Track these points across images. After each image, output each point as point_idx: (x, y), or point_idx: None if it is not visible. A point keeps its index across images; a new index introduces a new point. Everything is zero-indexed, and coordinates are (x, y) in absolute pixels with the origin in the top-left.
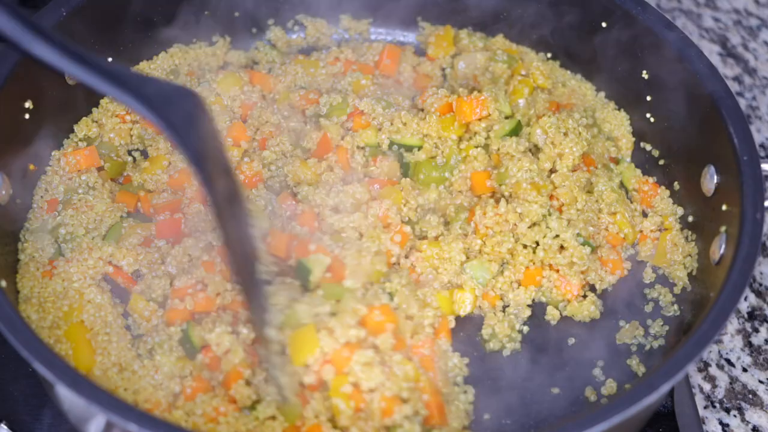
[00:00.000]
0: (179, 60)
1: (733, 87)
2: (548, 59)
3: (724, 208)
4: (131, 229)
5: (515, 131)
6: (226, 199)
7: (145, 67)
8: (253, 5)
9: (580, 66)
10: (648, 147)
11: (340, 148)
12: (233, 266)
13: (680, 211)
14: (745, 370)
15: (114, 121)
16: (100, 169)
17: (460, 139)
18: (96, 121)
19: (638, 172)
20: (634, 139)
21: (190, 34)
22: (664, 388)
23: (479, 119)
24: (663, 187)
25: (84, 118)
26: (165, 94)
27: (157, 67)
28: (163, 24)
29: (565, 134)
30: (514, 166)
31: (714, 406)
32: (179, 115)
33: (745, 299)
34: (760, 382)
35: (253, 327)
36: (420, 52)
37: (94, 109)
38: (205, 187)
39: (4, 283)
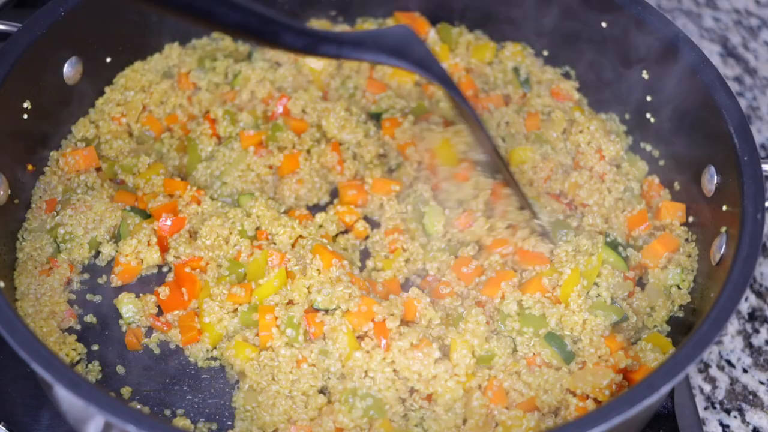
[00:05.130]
0: (173, 62)
1: (734, 87)
2: (545, 56)
3: (724, 208)
4: (137, 227)
5: None
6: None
7: (139, 68)
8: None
9: (579, 65)
10: (648, 147)
11: None
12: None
13: (680, 210)
14: (745, 371)
15: (110, 122)
16: (98, 169)
17: None
18: (93, 122)
19: (645, 169)
20: (628, 138)
21: (188, 35)
22: (665, 389)
23: None
24: (666, 190)
25: (81, 118)
26: (397, 40)
27: (151, 68)
28: (160, 24)
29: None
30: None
31: (714, 407)
32: (415, 52)
33: (746, 300)
34: (761, 383)
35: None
36: None
37: (91, 110)
38: (459, 98)
39: (2, 284)
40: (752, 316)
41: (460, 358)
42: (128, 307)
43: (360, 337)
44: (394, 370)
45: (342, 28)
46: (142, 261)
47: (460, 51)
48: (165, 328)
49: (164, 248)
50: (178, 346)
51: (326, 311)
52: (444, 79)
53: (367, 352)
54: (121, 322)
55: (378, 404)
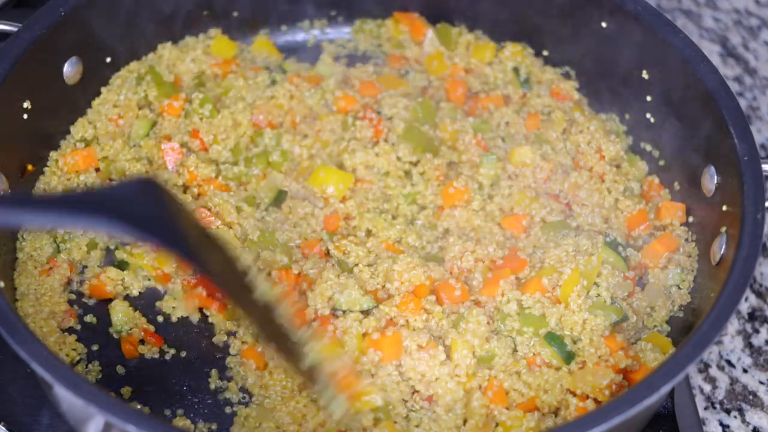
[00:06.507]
0: (168, 62)
1: (733, 87)
2: (545, 56)
3: (724, 208)
4: (135, 264)
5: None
6: (226, 271)
7: (135, 68)
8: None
9: (579, 65)
10: (648, 147)
11: None
12: (258, 328)
13: (680, 210)
14: (745, 371)
15: (107, 123)
16: (97, 169)
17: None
18: (91, 123)
19: (645, 169)
20: (628, 138)
21: (188, 34)
22: (665, 389)
23: None
24: (666, 190)
25: (80, 119)
26: (126, 201)
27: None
28: (161, 24)
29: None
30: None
31: (714, 407)
32: (147, 217)
33: (746, 300)
34: (761, 383)
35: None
36: None
37: (89, 110)
38: (203, 270)
39: (2, 284)
40: (752, 316)
41: (461, 359)
42: (119, 316)
43: (365, 334)
44: (400, 372)
45: (341, 28)
46: (124, 288)
47: (460, 51)
48: (156, 342)
49: (167, 278)
50: (176, 348)
51: (342, 312)
52: (185, 252)
53: (375, 355)
54: (110, 329)
55: (383, 406)
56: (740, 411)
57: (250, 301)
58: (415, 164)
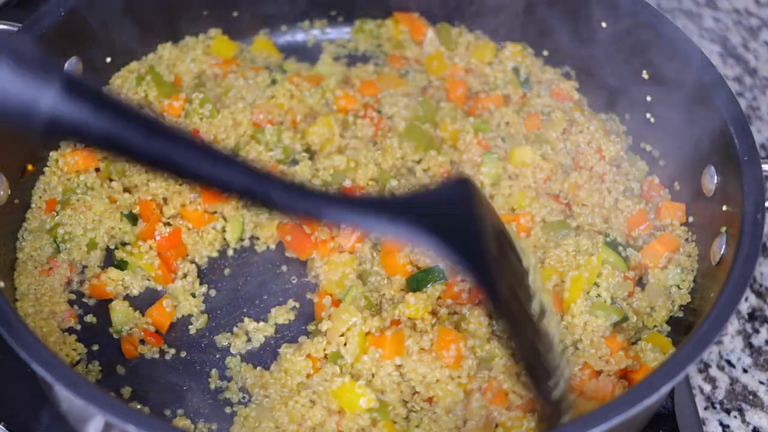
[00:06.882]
0: (167, 62)
1: (733, 87)
2: (545, 56)
3: (724, 208)
4: (134, 263)
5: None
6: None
7: (135, 68)
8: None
9: (579, 65)
10: (648, 147)
11: None
12: (517, 345)
13: (680, 210)
14: (745, 371)
15: None
16: (97, 170)
17: None
18: None
19: (645, 169)
20: (628, 138)
21: (188, 34)
22: (665, 389)
23: None
24: (666, 190)
25: None
26: (433, 209)
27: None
28: (161, 24)
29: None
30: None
31: (714, 407)
32: (450, 229)
33: (746, 300)
34: (761, 383)
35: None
36: None
37: None
38: (491, 291)
39: (2, 284)
40: (752, 316)
41: (463, 360)
42: (119, 316)
43: (367, 333)
44: (401, 373)
45: (341, 28)
46: (124, 288)
47: (460, 51)
48: (156, 342)
49: (169, 268)
50: (176, 348)
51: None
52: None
53: (376, 353)
54: (110, 329)
55: (382, 406)
56: (740, 411)
57: (522, 313)
58: (419, 162)
